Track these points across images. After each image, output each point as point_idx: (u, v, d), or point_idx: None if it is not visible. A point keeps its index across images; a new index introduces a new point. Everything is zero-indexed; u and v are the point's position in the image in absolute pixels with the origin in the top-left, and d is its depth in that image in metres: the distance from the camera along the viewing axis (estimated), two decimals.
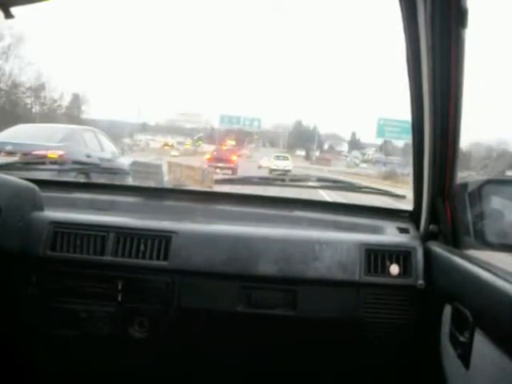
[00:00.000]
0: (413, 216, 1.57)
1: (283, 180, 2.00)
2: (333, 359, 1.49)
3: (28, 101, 15.72)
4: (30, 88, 15.24)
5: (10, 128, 5.95)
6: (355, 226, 1.60)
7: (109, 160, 5.40)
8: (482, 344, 0.98)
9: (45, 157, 4.54)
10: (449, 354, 1.16)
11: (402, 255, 1.40)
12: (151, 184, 1.90)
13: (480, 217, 1.24)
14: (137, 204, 1.70)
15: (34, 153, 4.76)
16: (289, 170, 11.87)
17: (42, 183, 1.57)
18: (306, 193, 2.16)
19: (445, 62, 1.18)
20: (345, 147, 26.36)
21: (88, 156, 5.14)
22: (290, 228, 1.55)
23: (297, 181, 1.98)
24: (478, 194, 1.25)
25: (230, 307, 1.39)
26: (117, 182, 2.00)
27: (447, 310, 1.20)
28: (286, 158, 15.93)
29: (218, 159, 10.68)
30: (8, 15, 0.92)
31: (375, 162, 22.01)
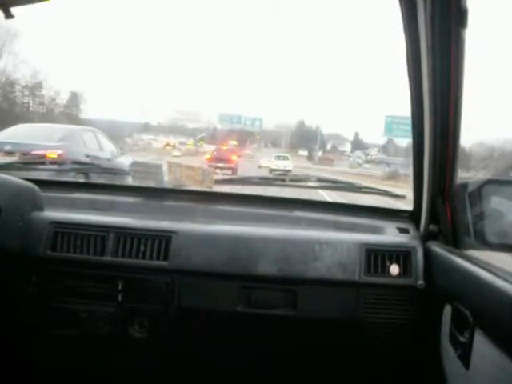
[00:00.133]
0: (413, 216, 1.57)
1: (283, 180, 2.00)
2: (333, 359, 1.49)
3: (25, 100, 15.63)
4: (26, 86, 15.14)
5: (8, 128, 5.94)
6: (355, 226, 1.60)
7: (108, 160, 5.40)
8: (482, 344, 0.98)
9: (44, 156, 4.54)
10: (449, 354, 1.16)
11: (401, 255, 1.40)
12: (151, 184, 1.90)
13: (480, 217, 1.24)
14: (137, 204, 1.70)
15: (33, 152, 4.76)
16: (289, 170, 11.84)
17: (42, 183, 1.57)
18: (305, 193, 2.16)
19: (445, 62, 1.18)
20: (347, 147, 26.28)
21: (87, 156, 5.13)
22: (290, 228, 1.55)
23: (297, 181, 1.98)
24: (477, 193, 1.24)
25: (229, 307, 1.39)
26: (117, 182, 2.00)
27: (447, 310, 1.20)
28: (286, 158, 15.89)
29: (217, 159, 10.66)
30: (8, 15, 0.92)
31: (378, 163, 21.90)
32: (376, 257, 1.39)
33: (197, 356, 1.51)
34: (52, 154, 4.70)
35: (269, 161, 15.18)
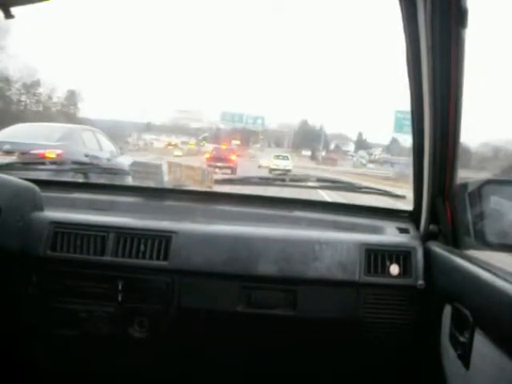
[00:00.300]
0: (413, 216, 1.57)
1: (283, 180, 2.00)
2: (333, 359, 1.49)
3: (22, 98, 15.49)
4: (23, 84, 15.01)
5: (6, 127, 5.94)
6: (355, 226, 1.60)
7: (108, 159, 5.40)
8: (482, 344, 0.98)
9: (43, 156, 4.55)
10: (449, 354, 1.16)
11: (401, 255, 1.40)
12: (151, 184, 1.90)
13: (480, 217, 1.24)
14: (137, 204, 1.70)
15: (32, 152, 4.77)
16: (289, 170, 11.86)
17: (42, 183, 1.57)
18: (305, 193, 2.16)
19: (445, 62, 1.18)
20: (351, 147, 26.22)
21: (86, 155, 5.14)
22: (289, 228, 1.55)
23: (297, 181, 1.98)
24: (477, 194, 1.24)
25: (230, 307, 1.39)
26: (117, 182, 2.00)
27: (447, 310, 1.20)
28: (285, 158, 15.91)
29: (217, 159, 10.67)
30: (8, 15, 0.92)
31: (383, 163, 21.80)
32: (376, 257, 1.39)
33: (197, 356, 1.51)
34: (51, 154, 4.71)
35: (268, 160, 15.20)
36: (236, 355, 1.49)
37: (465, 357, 1.05)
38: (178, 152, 16.23)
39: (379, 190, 1.87)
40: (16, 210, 1.37)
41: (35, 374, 1.55)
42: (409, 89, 1.33)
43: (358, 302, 1.38)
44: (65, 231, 1.41)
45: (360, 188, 1.84)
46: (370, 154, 24.35)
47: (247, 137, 22.62)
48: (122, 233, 1.40)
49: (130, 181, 2.01)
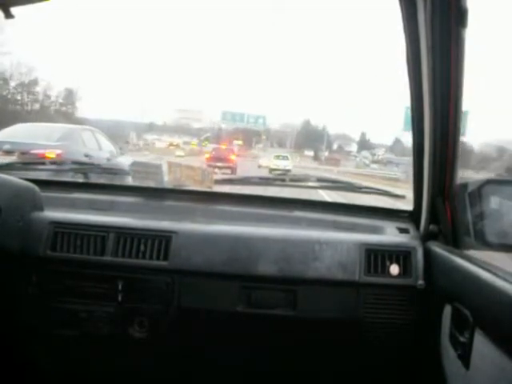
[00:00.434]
0: (413, 216, 1.57)
1: (283, 180, 1.99)
2: (333, 359, 1.49)
3: (19, 97, 15.40)
4: (20, 83, 14.94)
5: (5, 126, 5.95)
6: (355, 226, 1.60)
7: (108, 159, 5.40)
8: (482, 344, 0.98)
9: (43, 156, 4.55)
10: (449, 354, 1.16)
11: (401, 255, 1.40)
12: (151, 184, 1.90)
13: (480, 217, 1.24)
14: (137, 204, 1.70)
15: (32, 152, 4.77)
16: (289, 170, 11.86)
17: (42, 183, 1.57)
18: (305, 193, 2.16)
19: (445, 62, 1.18)
20: (354, 147, 26.19)
21: (86, 155, 5.14)
22: (289, 228, 1.55)
23: (297, 181, 1.98)
24: (477, 194, 1.25)
25: (230, 307, 1.39)
26: (117, 182, 2.00)
27: (447, 310, 1.20)
28: (285, 158, 15.92)
29: (216, 159, 10.68)
30: (8, 15, 0.92)
31: (386, 163, 21.74)
32: (376, 257, 1.39)
33: (197, 356, 1.51)
34: (51, 154, 4.72)
35: (268, 160, 15.21)
36: (236, 355, 1.49)
37: (465, 357, 1.05)
38: (179, 152, 16.24)
39: (379, 189, 1.88)
40: (16, 210, 1.37)
41: (35, 374, 1.55)
42: (409, 89, 1.33)
43: (358, 301, 1.38)
44: (65, 231, 1.41)
45: (360, 188, 1.84)
46: (374, 155, 24.34)
47: (250, 137, 22.59)
48: (122, 233, 1.40)
49: (129, 181, 2.01)
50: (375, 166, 22.41)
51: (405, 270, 1.38)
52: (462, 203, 1.29)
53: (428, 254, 1.38)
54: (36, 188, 1.46)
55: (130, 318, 1.42)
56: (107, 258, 1.38)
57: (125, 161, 3.84)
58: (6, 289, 1.40)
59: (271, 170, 12.00)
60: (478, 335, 1.00)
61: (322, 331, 1.42)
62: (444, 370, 1.21)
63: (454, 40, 1.14)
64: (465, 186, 1.30)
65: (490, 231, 1.21)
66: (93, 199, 1.69)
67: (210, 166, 8.63)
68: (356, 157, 25.03)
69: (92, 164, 2.37)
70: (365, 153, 24.66)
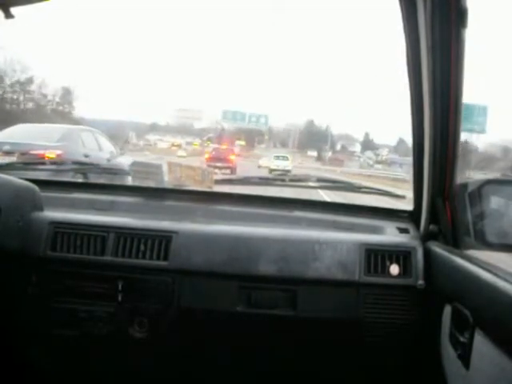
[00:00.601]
0: (413, 216, 1.57)
1: (283, 180, 1.99)
2: (333, 359, 1.49)
3: (14, 96, 15.27)
4: (17, 82, 14.82)
5: (4, 126, 5.96)
6: (355, 226, 1.60)
7: (108, 160, 5.40)
8: (481, 344, 0.98)
9: (43, 156, 4.55)
10: (449, 354, 1.16)
11: (401, 255, 1.40)
12: (151, 184, 1.90)
13: (480, 217, 1.24)
14: (137, 204, 1.70)
15: (32, 152, 4.78)
16: (289, 170, 11.87)
17: (42, 183, 1.57)
18: (305, 193, 2.16)
19: (445, 62, 1.18)
20: (358, 148, 26.10)
21: (86, 156, 5.15)
22: (289, 228, 1.55)
23: (297, 181, 1.98)
24: (477, 194, 1.25)
25: (229, 307, 1.39)
26: (117, 182, 2.00)
27: (447, 310, 1.20)
28: (285, 158, 15.92)
29: (216, 159, 10.69)
30: (8, 15, 0.92)
31: (390, 163, 21.68)
32: (376, 257, 1.39)
33: (197, 356, 1.51)
34: (51, 154, 4.72)
35: (268, 160, 15.22)
36: (236, 355, 1.49)
37: (465, 357, 1.05)
38: (181, 152, 16.24)
39: (379, 189, 1.88)
40: (16, 210, 1.37)
41: (35, 374, 1.55)
42: (409, 89, 1.33)
43: (358, 301, 1.38)
44: (65, 231, 1.41)
45: (360, 188, 1.84)
46: (377, 155, 24.29)
47: (252, 137, 22.50)
48: (122, 233, 1.40)
49: (129, 181, 2.01)
50: (379, 166, 22.37)
51: (405, 270, 1.38)
52: (461, 203, 1.29)
53: (428, 254, 1.38)
54: (36, 188, 1.46)
55: (130, 318, 1.42)
56: (107, 258, 1.38)
57: (125, 161, 3.84)
58: (5, 289, 1.40)
59: (271, 170, 12.00)
60: (477, 335, 1.00)
61: (321, 331, 1.42)
62: (444, 370, 1.21)
63: (454, 40, 1.14)
64: (465, 186, 1.30)
65: (490, 231, 1.21)
66: (93, 199, 1.69)
67: (209, 166, 8.64)
68: (360, 157, 24.97)
69: (92, 164, 2.37)
70: (368, 153, 24.61)
